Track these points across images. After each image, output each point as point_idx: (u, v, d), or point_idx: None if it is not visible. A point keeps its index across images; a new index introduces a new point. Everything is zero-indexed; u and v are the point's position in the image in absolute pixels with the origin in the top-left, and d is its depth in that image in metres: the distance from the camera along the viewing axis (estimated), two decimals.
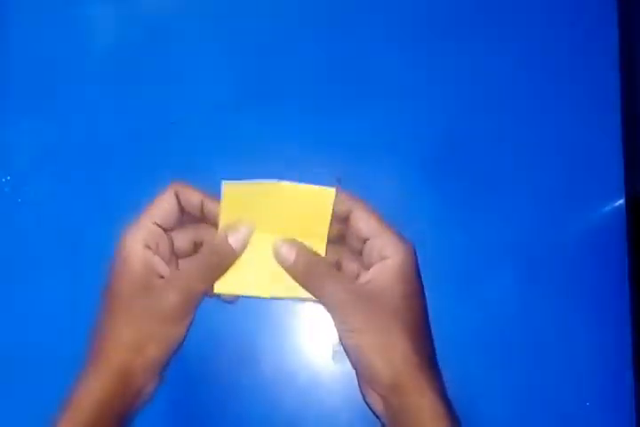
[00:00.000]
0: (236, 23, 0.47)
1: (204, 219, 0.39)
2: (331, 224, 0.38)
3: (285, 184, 0.37)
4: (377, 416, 0.37)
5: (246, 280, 0.38)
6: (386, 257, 0.36)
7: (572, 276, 0.44)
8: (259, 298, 0.39)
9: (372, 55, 0.46)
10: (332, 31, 0.46)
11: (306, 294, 0.38)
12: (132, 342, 0.36)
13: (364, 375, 0.37)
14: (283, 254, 0.37)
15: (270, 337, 0.43)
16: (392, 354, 0.35)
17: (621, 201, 0.45)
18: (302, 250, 0.37)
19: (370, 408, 0.37)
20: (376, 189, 0.44)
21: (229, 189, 0.37)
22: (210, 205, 0.38)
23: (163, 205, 0.38)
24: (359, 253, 0.38)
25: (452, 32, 0.46)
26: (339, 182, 0.44)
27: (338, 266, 0.40)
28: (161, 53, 0.46)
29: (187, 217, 0.39)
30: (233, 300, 0.40)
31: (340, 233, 0.39)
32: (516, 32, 0.47)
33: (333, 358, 0.43)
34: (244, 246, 0.38)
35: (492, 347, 0.43)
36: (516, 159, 0.45)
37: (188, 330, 0.38)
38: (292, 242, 0.38)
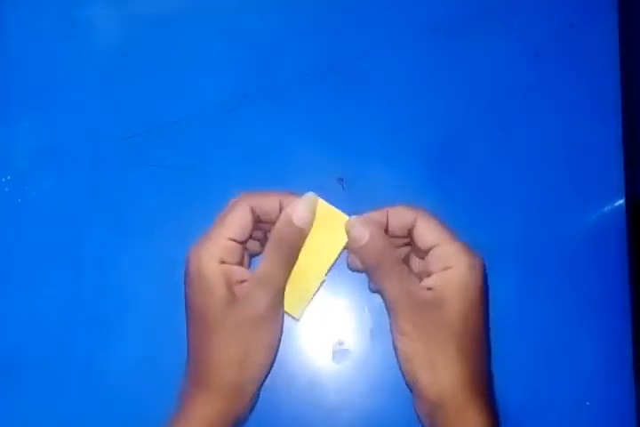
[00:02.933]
0: (237, 22, 0.47)
1: None
2: (395, 239, 0.37)
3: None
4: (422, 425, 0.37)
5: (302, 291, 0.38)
6: (450, 267, 0.35)
7: (572, 276, 0.44)
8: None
9: (373, 54, 0.46)
10: (334, 30, 0.46)
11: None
12: (237, 355, 0.35)
13: (409, 385, 0.36)
14: (355, 234, 0.36)
15: None
16: (440, 371, 0.34)
17: (621, 201, 0.45)
18: (376, 234, 0.36)
19: (417, 415, 0.37)
20: (377, 189, 0.44)
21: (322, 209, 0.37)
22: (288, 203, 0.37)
23: (237, 220, 0.36)
24: (422, 261, 0.37)
25: (452, 32, 0.46)
26: (340, 183, 0.44)
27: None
28: (161, 53, 0.46)
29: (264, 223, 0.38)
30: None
31: (406, 251, 0.38)
32: (516, 32, 0.47)
33: (333, 358, 0.43)
34: (309, 221, 0.36)
35: (492, 346, 0.43)
36: (517, 159, 0.45)
37: (281, 331, 0.37)
38: (367, 222, 0.36)
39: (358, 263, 0.38)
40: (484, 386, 0.36)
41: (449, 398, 0.34)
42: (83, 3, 0.47)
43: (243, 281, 0.36)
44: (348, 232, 0.36)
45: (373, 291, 0.40)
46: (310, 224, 0.36)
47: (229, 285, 0.35)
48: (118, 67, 0.46)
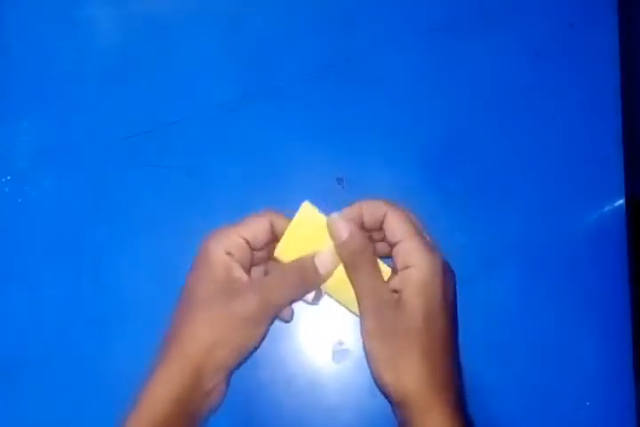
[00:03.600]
0: (237, 22, 0.47)
1: None
2: (376, 233, 0.38)
3: None
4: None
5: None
6: (409, 266, 0.35)
7: (573, 276, 0.44)
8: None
9: (373, 54, 0.46)
10: (334, 30, 0.46)
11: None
12: (208, 341, 0.36)
13: (377, 383, 0.36)
14: (337, 230, 0.37)
15: (270, 338, 0.43)
16: (402, 370, 0.34)
17: (621, 201, 0.45)
18: (356, 232, 0.36)
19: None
20: (377, 189, 0.44)
21: (305, 210, 0.38)
22: None
23: (254, 225, 0.37)
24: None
25: (452, 32, 0.46)
26: (340, 183, 0.44)
27: None
28: (161, 53, 0.46)
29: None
30: (315, 301, 0.39)
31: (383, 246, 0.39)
32: (516, 32, 0.47)
33: (333, 359, 0.43)
34: (329, 270, 0.38)
35: (492, 347, 0.43)
36: (517, 160, 0.45)
37: (260, 340, 0.37)
38: (348, 220, 0.37)
39: None
40: (450, 385, 0.36)
41: (413, 398, 0.34)
42: (83, 3, 0.47)
43: (239, 279, 0.37)
44: (329, 229, 0.37)
45: None
46: (327, 275, 0.38)
47: (228, 278, 0.37)
48: (118, 67, 0.46)
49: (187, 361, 0.36)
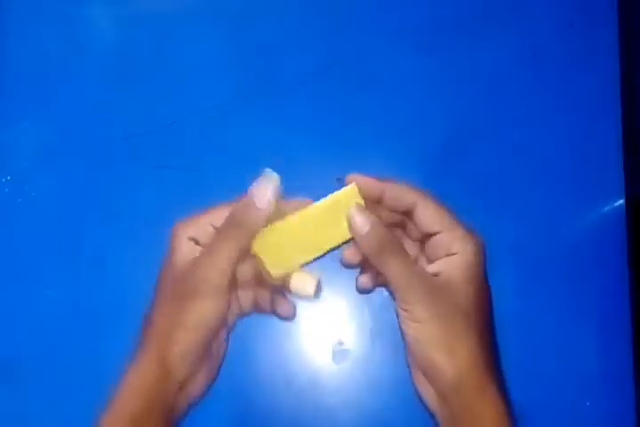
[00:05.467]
0: (237, 22, 0.47)
1: None
2: (393, 214, 0.37)
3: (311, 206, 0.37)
4: (430, 414, 0.37)
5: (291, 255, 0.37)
6: (455, 252, 0.35)
7: (572, 276, 0.44)
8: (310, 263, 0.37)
9: (373, 54, 0.46)
10: (334, 30, 0.46)
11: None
12: (166, 326, 0.36)
13: (423, 371, 0.36)
14: (357, 224, 0.36)
15: (270, 337, 0.43)
16: (458, 352, 0.34)
17: (621, 201, 0.45)
18: (377, 223, 0.36)
19: (423, 404, 0.37)
20: None
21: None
22: None
23: (225, 213, 0.36)
24: (419, 241, 0.38)
25: (452, 32, 0.46)
26: (340, 183, 0.44)
27: None
28: (161, 53, 0.46)
29: None
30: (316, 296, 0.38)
31: (402, 222, 0.38)
32: (516, 32, 0.47)
33: (333, 359, 0.43)
34: (269, 201, 0.36)
35: None
36: (516, 160, 0.45)
37: (222, 316, 0.36)
38: (367, 213, 0.36)
39: (353, 257, 0.38)
40: (497, 365, 0.36)
41: (467, 377, 0.34)
42: (83, 3, 0.47)
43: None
44: (349, 221, 0.36)
45: (361, 290, 0.40)
46: (267, 206, 0.36)
47: (189, 261, 0.36)
48: (118, 67, 0.46)
49: (152, 352, 0.35)
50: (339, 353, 0.43)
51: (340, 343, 0.43)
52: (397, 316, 0.36)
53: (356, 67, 0.46)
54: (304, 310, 0.43)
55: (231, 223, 0.36)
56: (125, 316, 0.43)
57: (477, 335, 0.35)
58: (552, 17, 0.47)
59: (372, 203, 0.37)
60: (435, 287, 0.35)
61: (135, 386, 0.35)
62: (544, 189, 0.45)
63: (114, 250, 0.44)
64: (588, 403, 0.43)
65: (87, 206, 0.44)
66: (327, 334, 0.43)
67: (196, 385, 0.37)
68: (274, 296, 0.39)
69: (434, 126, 0.45)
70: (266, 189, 0.36)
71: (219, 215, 0.37)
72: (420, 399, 0.37)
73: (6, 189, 0.45)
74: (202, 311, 0.36)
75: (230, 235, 0.36)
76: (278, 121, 0.45)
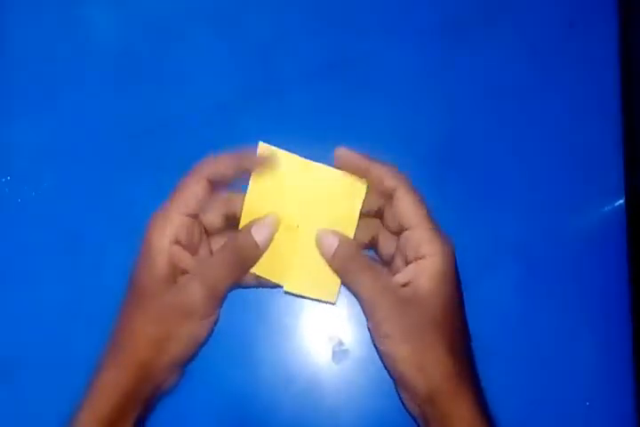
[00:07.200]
0: (237, 22, 0.47)
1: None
2: (373, 198, 0.37)
3: (319, 166, 0.37)
4: (414, 419, 0.37)
5: (279, 268, 0.37)
6: (423, 256, 0.34)
7: (572, 276, 0.44)
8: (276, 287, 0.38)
9: (373, 54, 0.46)
10: (334, 30, 0.46)
11: (320, 296, 0.37)
12: (155, 339, 0.35)
13: (398, 384, 0.36)
14: (324, 246, 0.36)
15: (270, 337, 0.43)
16: (429, 367, 0.34)
17: (621, 201, 0.45)
18: (344, 243, 0.36)
19: (407, 411, 0.37)
20: None
21: (264, 150, 0.36)
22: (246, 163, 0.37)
23: (192, 193, 0.36)
24: (396, 233, 0.37)
25: (452, 32, 0.46)
26: None
27: (374, 242, 0.39)
28: (160, 53, 0.46)
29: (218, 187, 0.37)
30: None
31: (380, 208, 0.38)
32: (517, 32, 0.47)
33: (333, 359, 0.43)
34: (268, 241, 0.36)
35: (492, 346, 0.43)
36: (516, 159, 0.45)
37: (211, 329, 0.37)
38: (335, 234, 0.36)
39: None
40: (473, 374, 0.36)
41: (440, 391, 0.34)
42: (83, 3, 0.47)
43: (184, 271, 0.36)
44: (317, 243, 0.37)
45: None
46: (266, 246, 0.37)
47: (173, 271, 0.36)
48: (118, 67, 0.46)
49: (135, 358, 0.35)
50: (339, 353, 0.43)
51: (340, 343, 0.43)
52: (370, 331, 0.36)
53: (356, 67, 0.46)
54: (304, 310, 0.43)
55: (232, 255, 0.36)
56: None
57: (448, 346, 0.34)
58: (552, 17, 0.47)
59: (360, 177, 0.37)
60: (403, 301, 0.34)
61: (115, 384, 0.35)
62: (544, 188, 0.45)
63: (114, 250, 0.44)
64: (588, 403, 0.43)
65: (87, 206, 0.44)
66: (327, 334, 0.43)
67: (174, 380, 0.38)
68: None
69: (434, 126, 0.45)
70: (268, 232, 0.36)
71: (188, 202, 0.36)
72: (403, 406, 0.37)
73: (6, 189, 0.45)
74: (198, 329, 0.37)
75: (229, 265, 0.36)
76: (278, 121, 0.45)
